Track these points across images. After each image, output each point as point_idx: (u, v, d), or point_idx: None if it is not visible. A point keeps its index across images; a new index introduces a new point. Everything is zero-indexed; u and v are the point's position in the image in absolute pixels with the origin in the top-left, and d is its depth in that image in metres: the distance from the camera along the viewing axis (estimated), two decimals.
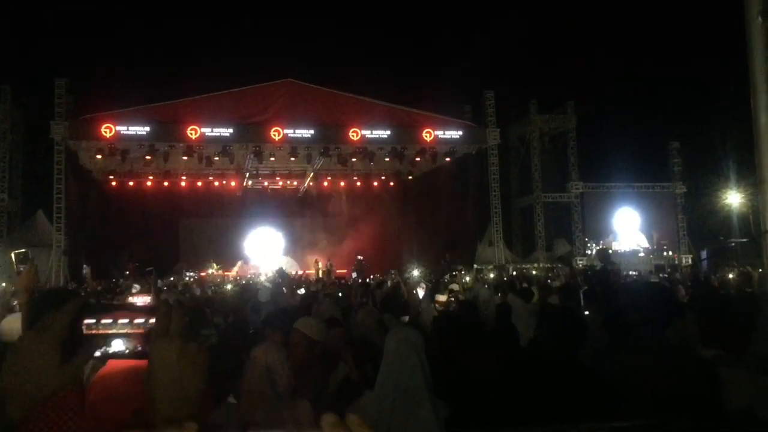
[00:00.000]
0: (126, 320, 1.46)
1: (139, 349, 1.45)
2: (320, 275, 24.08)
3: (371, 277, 21.50)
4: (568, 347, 3.49)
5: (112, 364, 2.01)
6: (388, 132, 24.17)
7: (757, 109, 6.35)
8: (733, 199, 26.43)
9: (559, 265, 21.44)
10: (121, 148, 22.89)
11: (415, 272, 18.10)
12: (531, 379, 3.44)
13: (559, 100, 27.95)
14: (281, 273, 12.12)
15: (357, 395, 3.20)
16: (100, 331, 1.47)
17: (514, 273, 20.91)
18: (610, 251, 19.85)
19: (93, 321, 1.44)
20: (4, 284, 16.83)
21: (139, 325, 1.46)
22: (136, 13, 30.89)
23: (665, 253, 26.93)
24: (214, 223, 28.41)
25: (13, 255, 4.04)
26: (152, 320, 1.42)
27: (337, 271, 26.53)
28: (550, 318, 4.13)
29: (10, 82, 23.81)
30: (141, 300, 5.61)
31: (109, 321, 1.48)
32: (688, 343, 3.64)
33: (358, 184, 28.59)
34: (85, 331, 1.44)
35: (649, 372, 3.13)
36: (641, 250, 26.83)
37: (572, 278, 8.84)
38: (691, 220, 28.82)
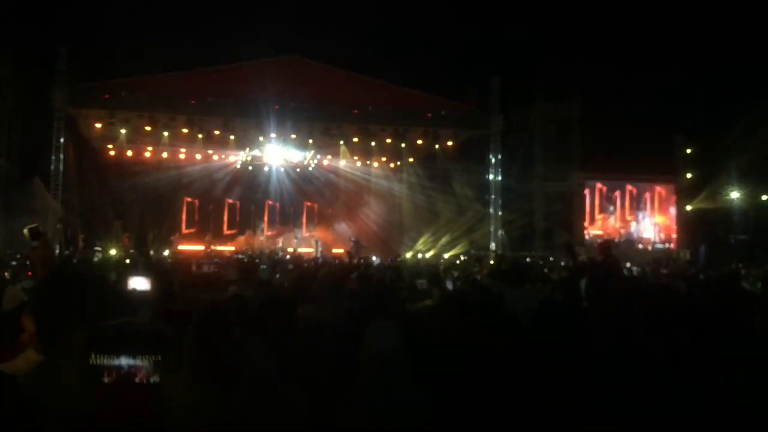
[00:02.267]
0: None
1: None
2: (318, 254, 24.15)
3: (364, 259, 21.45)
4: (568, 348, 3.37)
5: None
6: (391, 112, 23.97)
7: None
8: (735, 194, 26.33)
9: (551, 258, 21.41)
10: (119, 117, 22.77)
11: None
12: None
13: (565, 89, 27.70)
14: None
15: None
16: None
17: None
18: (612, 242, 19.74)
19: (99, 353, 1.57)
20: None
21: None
22: None
23: (664, 246, 26.90)
24: (212, 197, 28.23)
25: (26, 231, 3.93)
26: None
27: (334, 250, 26.55)
28: (549, 314, 4.01)
29: (12, 46, 23.55)
30: (140, 282, 5.45)
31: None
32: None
33: (359, 164, 28.42)
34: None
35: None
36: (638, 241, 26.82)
37: (575, 270, 8.69)
38: (690, 214, 28.69)
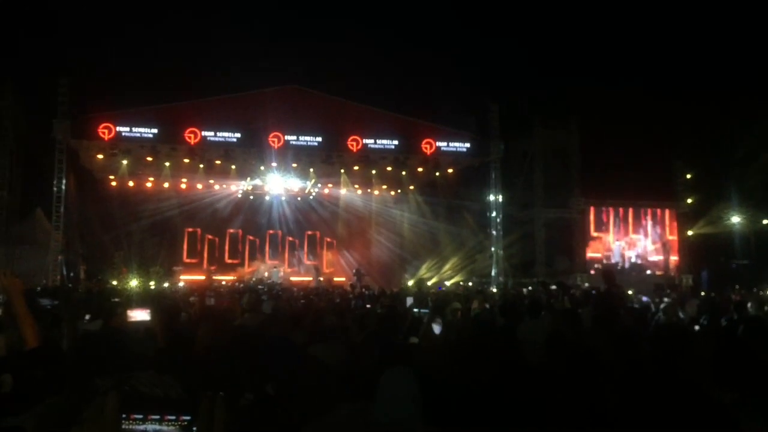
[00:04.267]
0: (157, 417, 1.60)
1: None
2: (319, 282, 24.11)
3: (366, 287, 21.39)
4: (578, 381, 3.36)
5: None
6: (392, 141, 24.07)
7: None
8: (736, 219, 26.34)
9: (553, 287, 21.29)
10: (121, 148, 22.86)
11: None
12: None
13: (563, 116, 27.81)
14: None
15: None
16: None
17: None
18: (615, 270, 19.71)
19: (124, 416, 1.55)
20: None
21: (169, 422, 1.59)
22: (142, 13, 30.81)
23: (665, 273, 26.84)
24: (213, 227, 28.18)
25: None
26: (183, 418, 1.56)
27: (335, 279, 26.49)
28: (558, 348, 4.01)
29: (13, 78, 23.70)
30: (140, 314, 5.45)
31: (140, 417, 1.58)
32: (701, 382, 3.49)
33: (359, 192, 28.46)
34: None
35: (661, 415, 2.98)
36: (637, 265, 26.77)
37: (573, 305, 8.66)
38: (692, 239, 28.66)
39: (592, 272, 26.30)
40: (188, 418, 1.55)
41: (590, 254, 28.01)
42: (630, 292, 16.04)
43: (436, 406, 3.16)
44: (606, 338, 5.52)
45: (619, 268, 26.51)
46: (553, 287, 12.85)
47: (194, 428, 1.58)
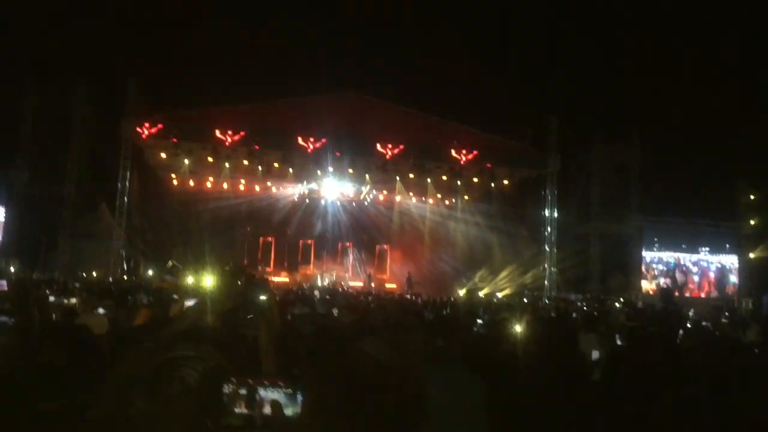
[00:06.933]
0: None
1: None
2: (370, 287, 24.31)
3: (417, 295, 21.45)
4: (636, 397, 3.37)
5: None
6: (448, 151, 24.08)
7: None
8: None
9: (607, 302, 20.93)
10: (183, 148, 23.45)
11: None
12: None
13: (624, 130, 27.36)
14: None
15: None
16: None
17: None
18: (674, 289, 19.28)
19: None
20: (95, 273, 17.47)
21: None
22: (205, 17, 31.57)
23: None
24: (268, 228, 28.55)
25: (170, 263, 4.16)
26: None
27: (386, 285, 26.62)
28: (619, 365, 3.99)
29: (82, 79, 24.49)
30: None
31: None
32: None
33: (414, 200, 28.52)
34: None
35: None
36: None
37: (637, 320, 8.53)
38: (753, 261, 27.81)
39: (650, 291, 25.79)
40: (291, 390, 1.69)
41: (645, 272, 27.50)
42: (690, 313, 15.71)
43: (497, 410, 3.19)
44: (665, 356, 5.47)
45: (676, 287, 25.93)
46: (617, 304, 12.69)
47: (299, 397, 1.71)
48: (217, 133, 22.53)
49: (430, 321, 8.95)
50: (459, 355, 4.88)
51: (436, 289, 24.30)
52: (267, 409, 1.81)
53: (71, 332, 3.29)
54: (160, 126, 22.42)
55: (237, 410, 1.76)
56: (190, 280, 21.91)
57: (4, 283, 6.73)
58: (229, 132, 22.57)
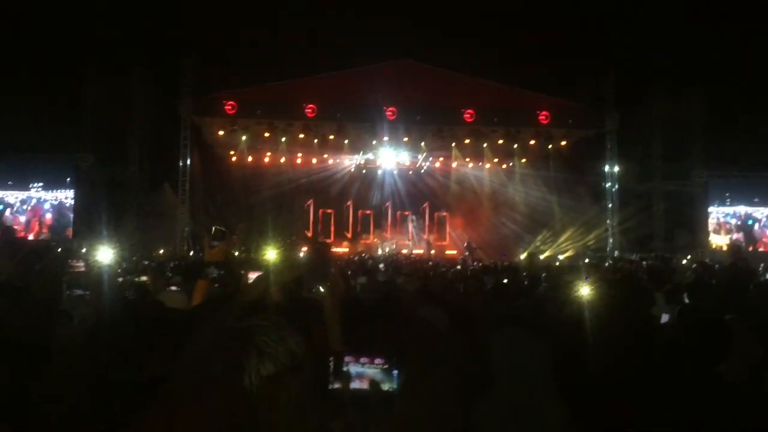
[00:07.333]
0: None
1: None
2: (431, 255, 24.37)
3: (478, 261, 21.41)
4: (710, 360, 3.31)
5: None
6: (503, 114, 23.79)
7: None
8: None
9: (673, 260, 20.43)
10: (240, 125, 23.78)
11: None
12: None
13: (686, 82, 26.34)
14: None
15: None
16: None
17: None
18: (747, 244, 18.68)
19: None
20: (161, 251, 18.00)
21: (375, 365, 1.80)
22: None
23: None
24: (327, 200, 28.81)
25: (214, 229, 4.22)
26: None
27: (447, 252, 26.64)
28: (688, 323, 3.93)
29: (142, 58, 24.90)
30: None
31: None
32: None
33: (471, 166, 28.32)
34: None
35: None
36: None
37: (704, 273, 8.34)
38: None
39: (723, 247, 25.05)
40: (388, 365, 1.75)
41: (713, 228, 26.71)
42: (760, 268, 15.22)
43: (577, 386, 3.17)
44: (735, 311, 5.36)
45: (752, 241, 25.14)
46: (684, 261, 12.41)
47: (395, 373, 1.76)
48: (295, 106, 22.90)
49: (492, 286, 8.98)
50: (522, 318, 4.88)
51: (497, 254, 24.23)
52: (364, 384, 1.86)
53: (146, 309, 3.41)
54: (232, 102, 22.82)
55: (335, 386, 1.81)
56: (242, 249, 22.29)
57: (82, 264, 7.01)
58: (309, 105, 22.86)
